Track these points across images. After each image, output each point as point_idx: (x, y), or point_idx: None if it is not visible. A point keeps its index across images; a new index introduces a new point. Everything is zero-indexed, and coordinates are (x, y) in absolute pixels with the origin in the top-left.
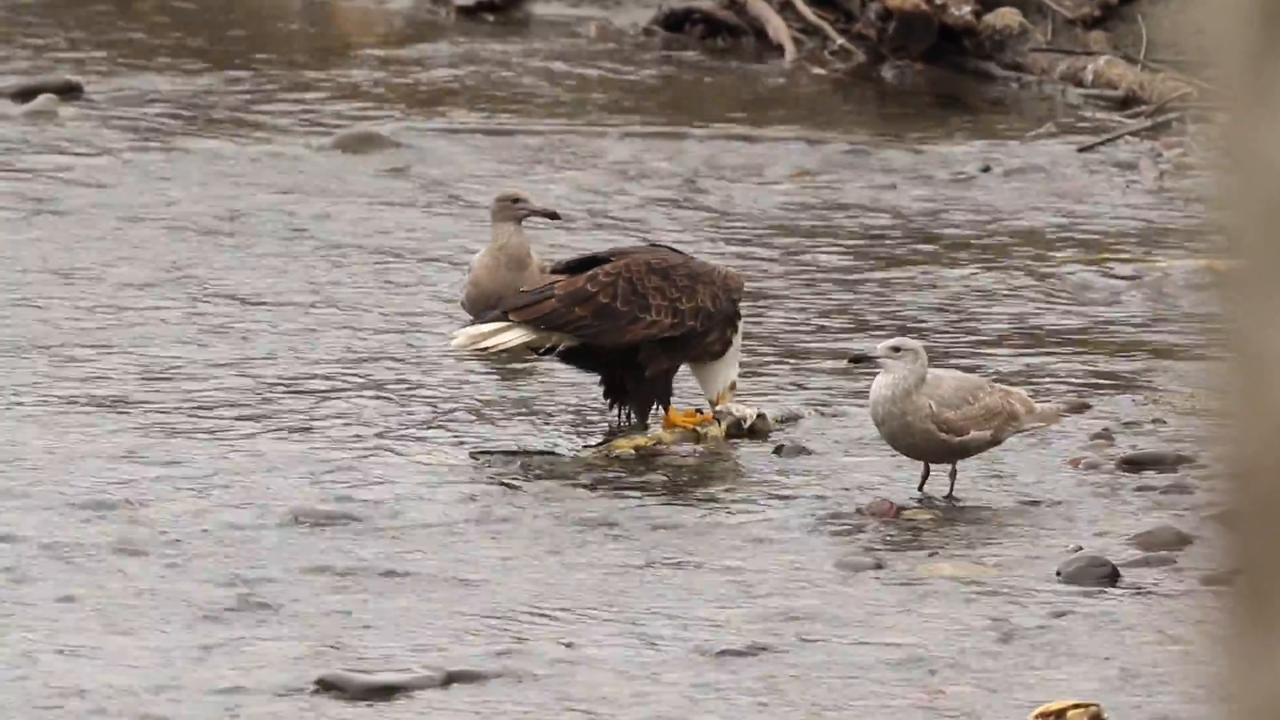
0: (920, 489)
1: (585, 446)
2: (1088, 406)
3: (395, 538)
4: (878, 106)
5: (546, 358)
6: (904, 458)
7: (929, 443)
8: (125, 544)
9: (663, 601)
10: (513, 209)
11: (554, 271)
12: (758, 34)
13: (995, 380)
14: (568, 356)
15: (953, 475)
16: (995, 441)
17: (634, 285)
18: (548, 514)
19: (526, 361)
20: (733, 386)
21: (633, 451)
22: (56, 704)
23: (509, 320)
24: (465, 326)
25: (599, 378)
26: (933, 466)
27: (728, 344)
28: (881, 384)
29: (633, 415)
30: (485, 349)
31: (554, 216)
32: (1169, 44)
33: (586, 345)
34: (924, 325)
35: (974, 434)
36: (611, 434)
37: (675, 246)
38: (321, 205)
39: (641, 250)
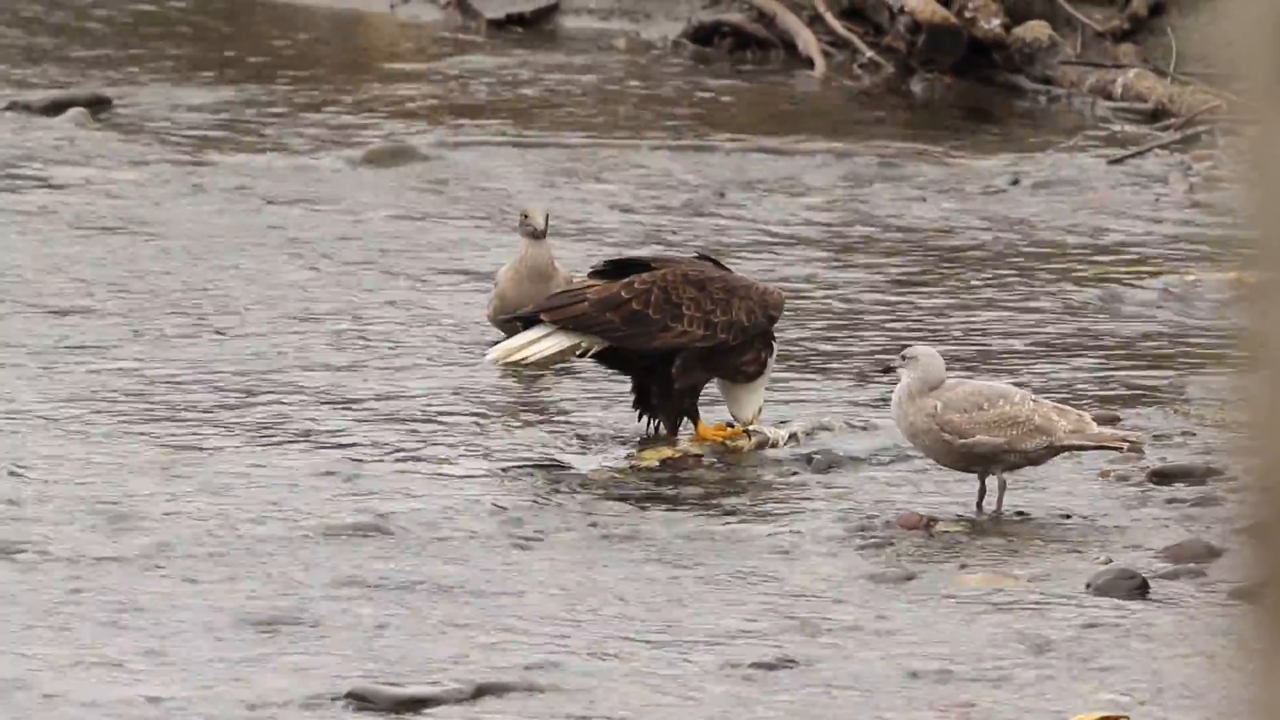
0: (978, 505)
1: (613, 458)
2: (1118, 419)
3: (425, 551)
4: (907, 119)
5: (580, 362)
6: (938, 470)
7: (938, 444)
8: (155, 556)
9: (693, 614)
10: (525, 224)
11: (593, 270)
12: (787, 47)
13: (1049, 398)
14: (601, 356)
15: (1000, 487)
16: (1020, 451)
17: (668, 294)
18: (578, 526)
19: (557, 374)
20: (759, 411)
21: (657, 463)
22: (88, 716)
23: (541, 321)
24: (498, 342)
25: (629, 387)
26: (987, 481)
27: (763, 366)
28: (895, 391)
29: (662, 427)
30: (521, 360)
31: (535, 237)
32: (1198, 57)
33: (616, 349)
34: (953, 337)
35: (980, 438)
36: (640, 445)
37: (721, 260)
38: (351, 219)
39: (683, 261)
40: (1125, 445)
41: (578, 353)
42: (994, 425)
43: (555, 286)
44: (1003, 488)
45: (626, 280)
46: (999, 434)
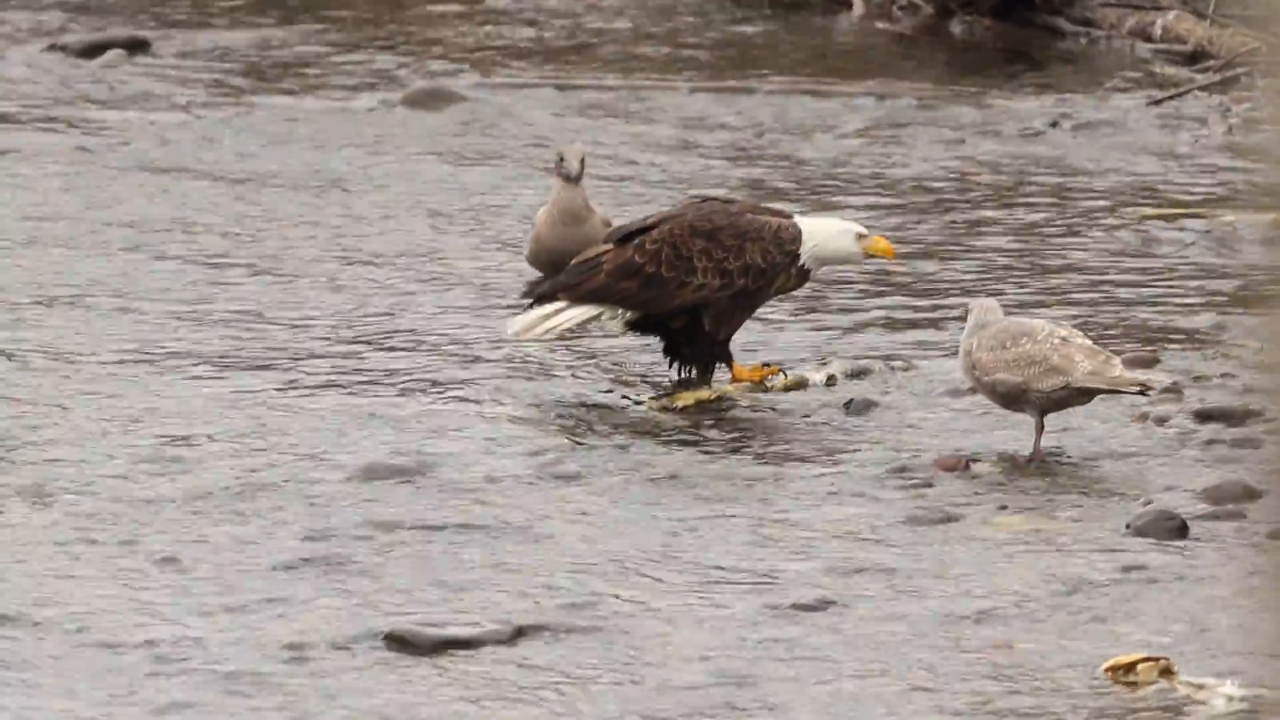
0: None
1: (649, 398)
2: (1157, 360)
3: (464, 492)
4: (946, 62)
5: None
6: (976, 412)
7: (975, 383)
8: (194, 497)
9: (732, 555)
10: (559, 166)
11: (605, 242)
12: None
13: (1088, 335)
14: (632, 326)
15: (1038, 430)
16: (1038, 392)
17: (678, 250)
18: (616, 468)
19: None
20: None
21: (694, 403)
22: (127, 655)
23: (559, 298)
24: (523, 310)
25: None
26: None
27: (805, 276)
28: None
29: (694, 372)
30: (543, 334)
31: (569, 180)
32: None
33: (648, 317)
34: (990, 280)
35: (1000, 377)
36: (676, 386)
37: (730, 198)
38: (389, 161)
39: (688, 211)
40: (1141, 389)
41: (604, 319)
42: (1013, 364)
43: (590, 229)
44: (1040, 429)
45: (636, 243)
46: (1017, 373)
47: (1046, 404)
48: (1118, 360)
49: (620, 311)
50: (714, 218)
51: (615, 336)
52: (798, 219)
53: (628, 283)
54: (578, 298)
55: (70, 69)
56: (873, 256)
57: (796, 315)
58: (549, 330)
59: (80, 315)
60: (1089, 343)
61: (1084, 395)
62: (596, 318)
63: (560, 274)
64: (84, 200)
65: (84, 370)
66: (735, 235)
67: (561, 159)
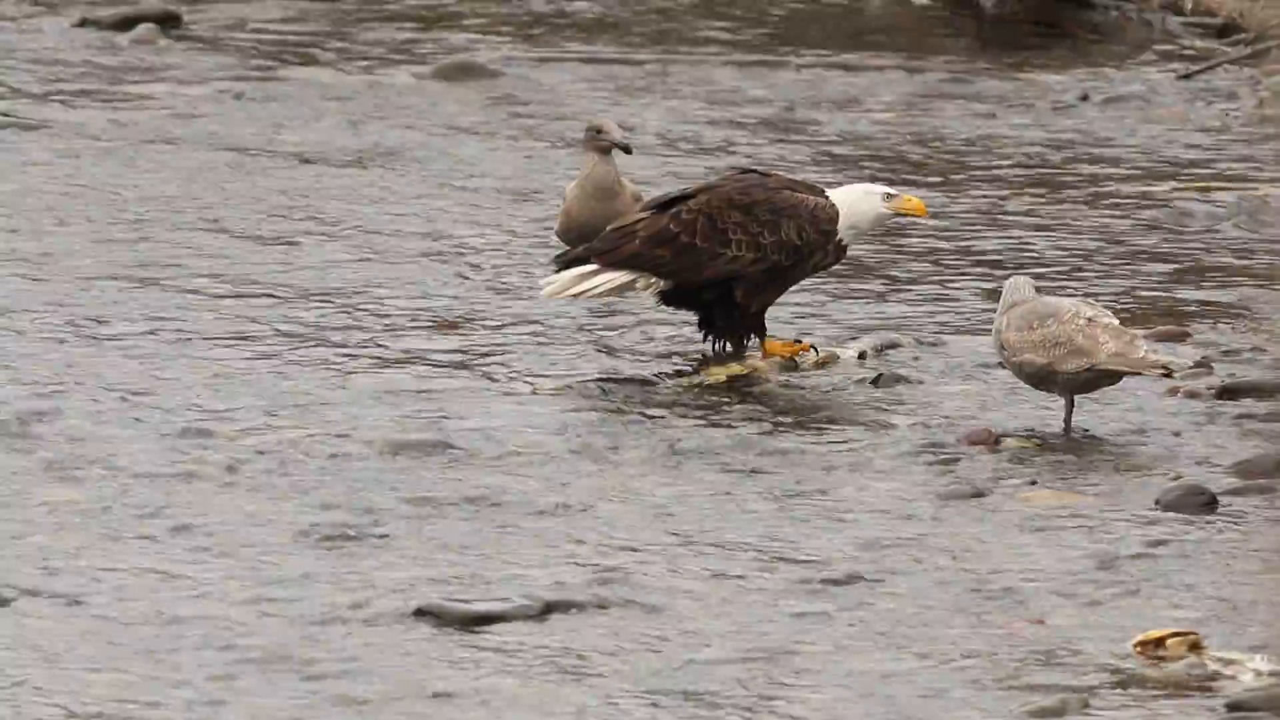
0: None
1: (679, 373)
2: (1187, 335)
3: (493, 467)
4: (976, 35)
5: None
6: (1005, 388)
7: (1005, 361)
8: (227, 472)
9: (761, 531)
10: (596, 139)
11: (642, 210)
12: None
13: (1118, 309)
14: (665, 298)
15: (1068, 406)
16: (1064, 373)
17: (714, 221)
18: (645, 443)
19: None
20: None
21: (724, 378)
22: (162, 630)
23: (593, 263)
24: (554, 274)
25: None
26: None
27: (842, 251)
28: None
29: (727, 346)
30: (577, 295)
31: (627, 150)
32: None
33: (679, 286)
34: (1023, 254)
35: (1027, 357)
36: (705, 361)
37: (770, 172)
38: (420, 135)
39: (727, 183)
40: (1165, 371)
41: (636, 289)
42: (1039, 345)
43: (621, 204)
44: (1070, 406)
45: (673, 211)
46: (1043, 354)
47: (1072, 385)
48: (1143, 341)
49: (654, 280)
50: (752, 191)
51: (646, 311)
52: (829, 193)
53: (662, 250)
54: (612, 263)
55: (102, 44)
56: (904, 215)
57: (827, 291)
58: (583, 292)
59: (109, 289)
60: (1115, 322)
61: (1110, 377)
62: (631, 284)
63: (594, 241)
64: (114, 175)
65: (105, 343)
66: (772, 211)
67: (599, 131)
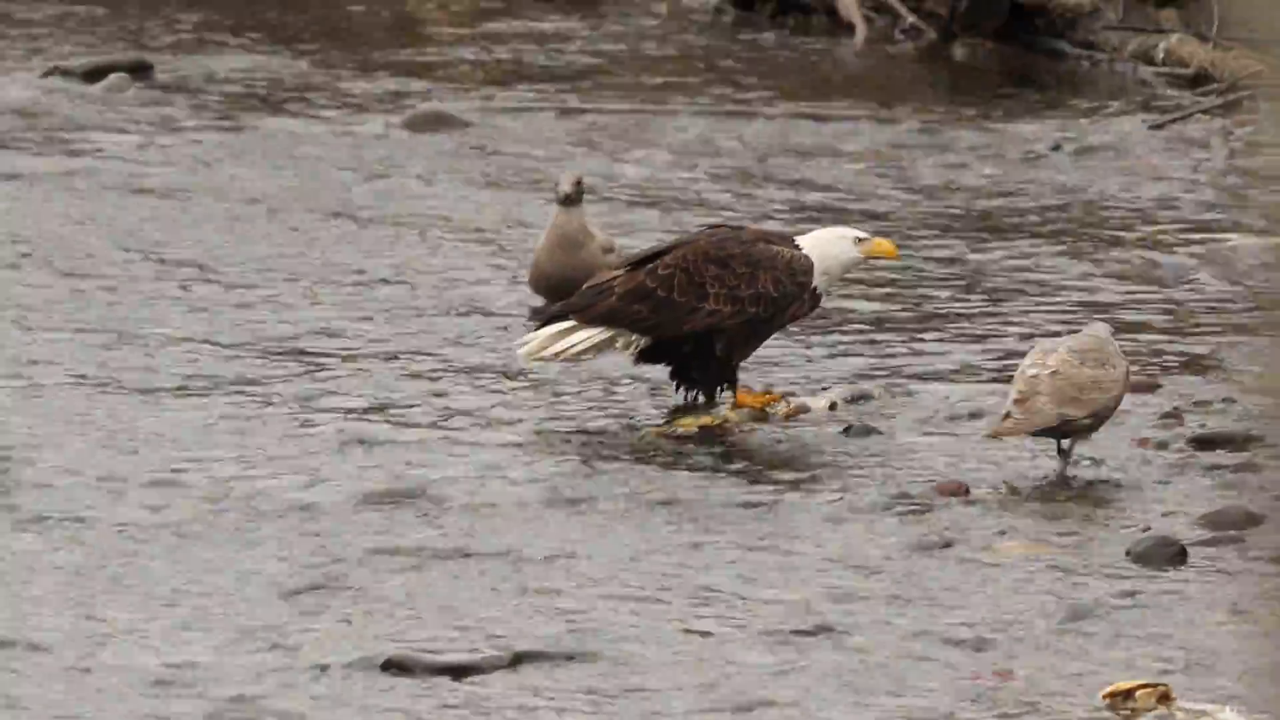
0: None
1: (650, 424)
2: (1158, 385)
3: (463, 517)
4: (948, 85)
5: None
6: (977, 438)
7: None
8: (193, 524)
9: (731, 581)
10: (555, 191)
11: (617, 268)
12: (828, 12)
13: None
14: (642, 355)
15: (1060, 454)
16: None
17: (691, 276)
18: (616, 493)
19: None
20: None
21: (696, 429)
22: (130, 681)
23: (570, 320)
24: (529, 333)
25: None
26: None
27: (817, 300)
28: None
29: (700, 397)
30: (554, 355)
31: (562, 202)
32: (1240, 22)
33: (659, 343)
34: (1001, 303)
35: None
36: (677, 411)
37: (743, 225)
38: (390, 184)
39: (702, 237)
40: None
41: (616, 347)
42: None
43: (587, 255)
44: (1063, 454)
45: (649, 268)
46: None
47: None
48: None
49: (633, 338)
50: (728, 245)
51: (620, 365)
52: (799, 240)
53: (639, 306)
54: (589, 320)
55: (72, 93)
56: (875, 258)
57: (799, 340)
58: (560, 352)
59: (75, 340)
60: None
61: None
62: (609, 342)
63: (571, 297)
64: (83, 224)
65: (68, 393)
66: (748, 264)
67: (556, 184)
